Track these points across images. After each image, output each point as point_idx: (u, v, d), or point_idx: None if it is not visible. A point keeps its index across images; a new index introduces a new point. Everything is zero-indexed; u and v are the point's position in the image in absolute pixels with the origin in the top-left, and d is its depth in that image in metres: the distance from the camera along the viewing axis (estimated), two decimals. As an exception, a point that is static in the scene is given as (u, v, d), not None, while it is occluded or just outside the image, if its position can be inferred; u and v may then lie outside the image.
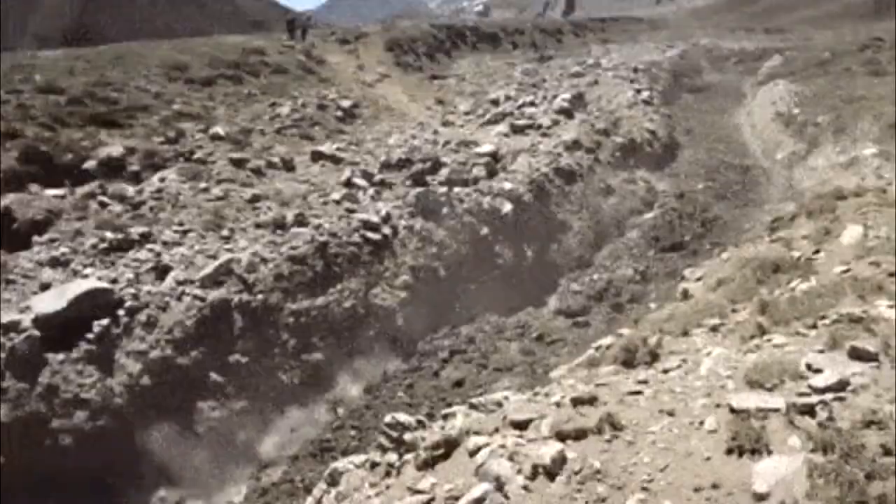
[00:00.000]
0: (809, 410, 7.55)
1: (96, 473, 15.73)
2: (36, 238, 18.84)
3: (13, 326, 16.39)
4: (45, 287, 17.51)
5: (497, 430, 8.84)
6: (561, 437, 8.13)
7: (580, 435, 8.08)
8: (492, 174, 26.67)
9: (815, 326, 9.86)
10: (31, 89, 24.49)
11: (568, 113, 34.06)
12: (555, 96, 36.13)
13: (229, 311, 18.30)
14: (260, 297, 18.83)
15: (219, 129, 25.27)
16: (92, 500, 15.32)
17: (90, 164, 21.54)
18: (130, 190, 21.19)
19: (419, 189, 24.15)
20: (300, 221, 21.17)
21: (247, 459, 17.00)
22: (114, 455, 15.97)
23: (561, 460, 7.72)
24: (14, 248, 18.44)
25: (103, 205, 20.37)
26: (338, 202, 22.84)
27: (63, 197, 20.21)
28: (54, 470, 15.33)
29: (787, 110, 36.38)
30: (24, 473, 15.13)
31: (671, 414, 8.17)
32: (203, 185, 22.06)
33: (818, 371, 8.19)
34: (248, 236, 20.27)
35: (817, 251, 13.66)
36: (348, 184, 24.05)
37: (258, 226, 20.83)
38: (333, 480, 10.24)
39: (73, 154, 21.62)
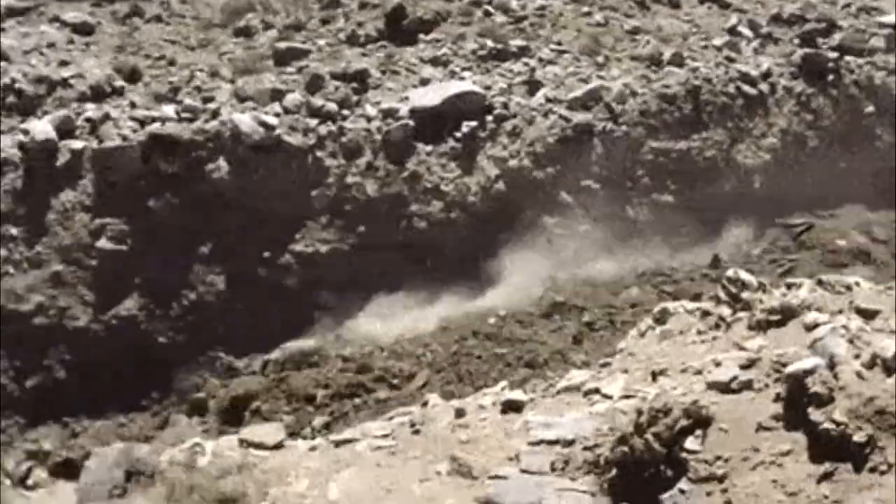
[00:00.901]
0: None
1: (439, 258, 17.16)
2: (422, 36, 19.93)
3: (391, 113, 17.84)
4: (423, 82, 18.70)
5: (840, 311, 8.44)
6: (912, 335, 7.62)
7: (933, 340, 7.52)
8: (891, 48, 24.23)
9: None
10: None
11: None
12: None
13: (591, 137, 18.55)
14: (623, 128, 18.87)
15: (610, -45, 24.80)
16: (423, 281, 16.81)
17: (481, -27, 22.09)
18: (514, 3, 21.55)
19: (807, 50, 22.47)
20: (676, 61, 20.57)
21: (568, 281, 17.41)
22: (458, 247, 17.34)
23: (905, 358, 7.28)
24: (401, 43, 19.69)
25: (487, 14, 20.95)
26: (718, 49, 21.83)
27: (451, 0, 21.02)
28: (413, 248, 17.02)
29: None
30: (381, 240, 17.06)
31: None
32: (586, 8, 21.92)
33: None
34: (622, 67, 20.12)
35: None
36: (732, 31, 22.84)
37: (633, 58, 20.53)
38: (661, 319, 10.37)
39: (466, -40, 22.23)
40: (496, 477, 7.28)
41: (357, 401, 14.18)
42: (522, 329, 15.70)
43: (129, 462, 8.19)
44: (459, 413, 8.43)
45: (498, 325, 15.78)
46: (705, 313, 9.75)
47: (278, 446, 8.69)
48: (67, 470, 12.89)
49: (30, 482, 12.90)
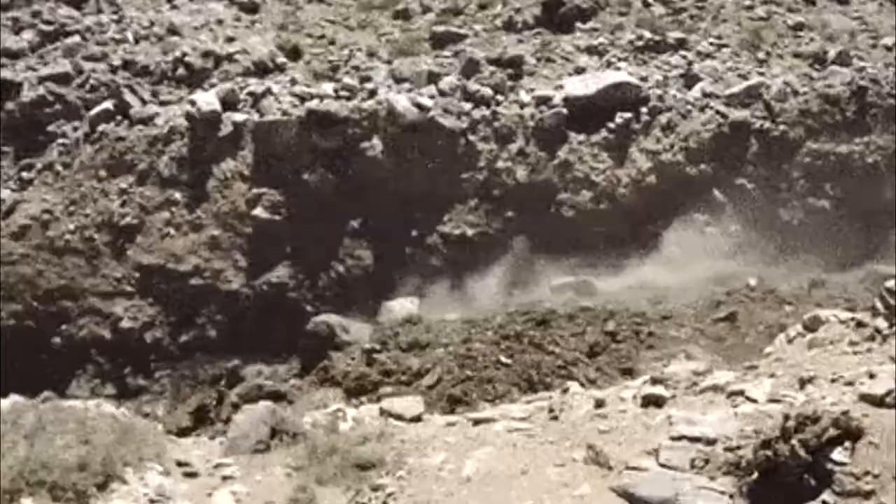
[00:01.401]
0: None
1: (581, 249, 17.04)
2: (579, 24, 19.90)
3: (545, 101, 17.96)
4: (579, 71, 18.71)
5: None
6: None
7: None
8: None
9: None
10: None
11: None
12: None
13: (748, 135, 18.20)
14: (782, 128, 18.37)
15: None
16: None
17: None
18: (677, -6, 21.21)
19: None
20: (842, 60, 19.84)
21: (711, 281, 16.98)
22: (602, 238, 17.23)
23: None
24: (558, 31, 19.71)
25: (646, 4, 20.72)
26: (888, 48, 20.88)
27: (611, -11, 20.85)
28: (559, 237, 16.99)
29: None
30: (527, 226, 17.14)
31: None
32: (748, 1, 21.36)
33: None
34: (784, 64, 19.57)
35: None
36: (906, 31, 21.85)
37: (796, 55, 19.93)
38: (811, 326, 10.10)
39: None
40: (634, 468, 7.25)
41: None
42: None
43: (275, 420, 8.52)
44: (599, 403, 8.41)
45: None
46: (860, 324, 9.42)
47: (417, 419, 8.89)
48: (213, 422, 13.52)
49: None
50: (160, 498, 7.27)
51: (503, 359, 14.11)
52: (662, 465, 7.25)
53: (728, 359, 12.55)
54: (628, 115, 17.89)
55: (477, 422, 8.66)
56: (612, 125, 17.79)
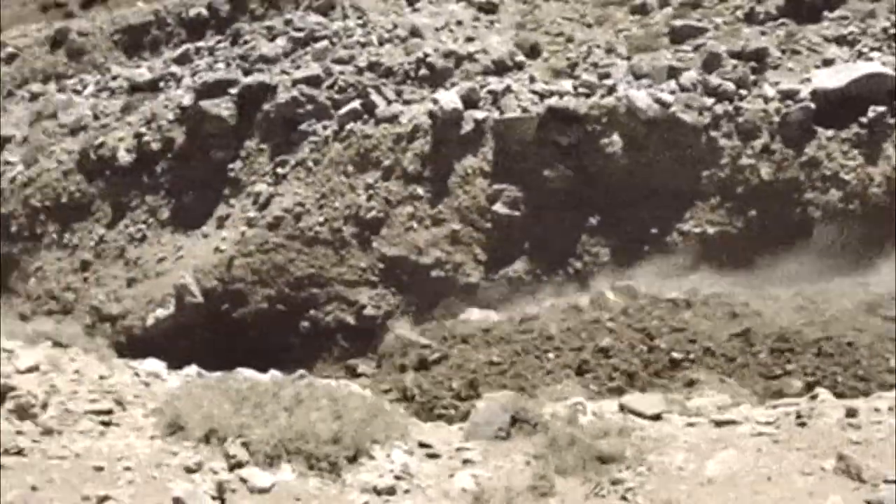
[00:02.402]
0: None
1: (826, 251, 16.30)
2: (826, 13, 18.99)
3: (791, 94, 17.29)
4: (827, 63, 17.86)
5: None
6: None
7: None
8: None
9: None
10: None
11: None
12: None
13: None
14: None
15: None
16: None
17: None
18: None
19: None
20: None
21: None
22: (849, 241, 16.38)
23: None
24: (803, 21, 18.87)
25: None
26: None
27: (860, -25, 19.75)
28: (804, 237, 16.37)
29: None
30: (771, 226, 16.67)
31: None
32: None
33: None
34: None
35: None
36: None
37: None
38: None
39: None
40: (892, 482, 6.95)
41: None
42: None
43: (516, 409, 8.78)
44: (851, 412, 8.10)
45: None
46: None
47: (657, 417, 8.89)
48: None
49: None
50: (405, 475, 7.71)
51: None
52: (924, 482, 6.91)
53: None
54: (882, 108, 16.84)
55: (719, 423, 8.57)
56: (863, 120, 16.85)
